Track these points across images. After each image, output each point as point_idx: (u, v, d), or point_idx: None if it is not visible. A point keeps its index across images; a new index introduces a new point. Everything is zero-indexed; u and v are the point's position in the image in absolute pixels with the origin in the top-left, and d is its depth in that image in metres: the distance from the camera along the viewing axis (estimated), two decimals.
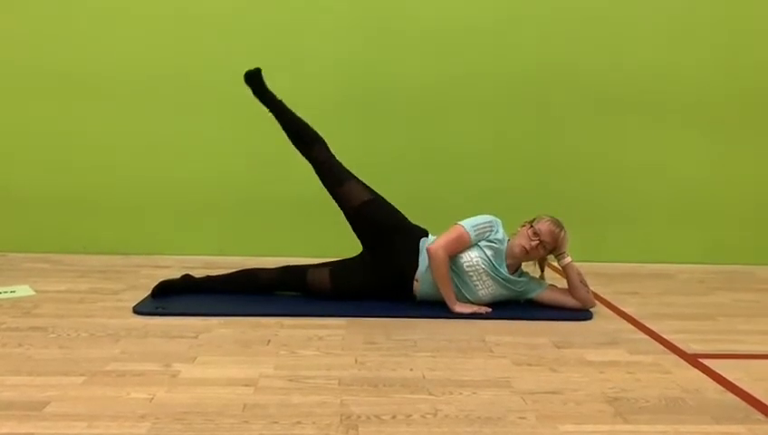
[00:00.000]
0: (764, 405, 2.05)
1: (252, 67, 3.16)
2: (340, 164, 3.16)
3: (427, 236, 3.11)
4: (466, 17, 4.12)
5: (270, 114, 3.18)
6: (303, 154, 3.17)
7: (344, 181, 3.13)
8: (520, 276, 3.10)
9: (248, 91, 3.17)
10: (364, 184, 3.15)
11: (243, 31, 4.04)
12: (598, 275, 3.77)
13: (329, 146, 3.17)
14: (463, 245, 2.98)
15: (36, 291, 3.15)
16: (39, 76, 3.98)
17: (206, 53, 4.03)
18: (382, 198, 3.16)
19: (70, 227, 4.07)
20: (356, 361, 2.34)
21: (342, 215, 3.16)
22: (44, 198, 4.05)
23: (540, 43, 4.17)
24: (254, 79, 3.16)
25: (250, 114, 4.03)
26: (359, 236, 3.15)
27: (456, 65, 4.14)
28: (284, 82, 4.02)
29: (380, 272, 3.06)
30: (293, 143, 3.18)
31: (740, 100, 4.27)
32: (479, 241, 3.00)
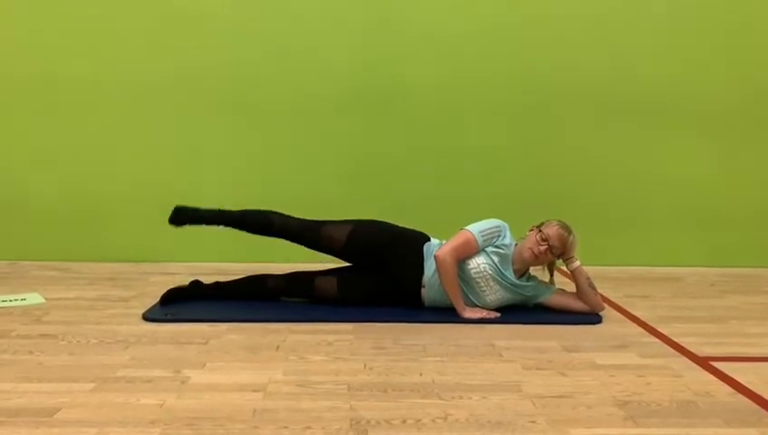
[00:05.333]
0: None
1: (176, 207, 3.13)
2: (304, 221, 3.13)
3: (428, 240, 3.10)
4: (471, 21, 4.13)
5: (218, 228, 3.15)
6: (269, 235, 3.14)
7: (318, 232, 3.10)
8: (528, 281, 3.09)
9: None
10: (338, 221, 3.13)
11: (249, 37, 4.05)
12: (607, 278, 3.75)
13: (282, 214, 3.14)
14: (470, 250, 2.97)
15: (46, 298, 3.17)
16: (47, 88, 4.00)
17: (212, 60, 4.05)
18: (363, 220, 3.15)
19: (79, 235, 4.09)
20: (365, 366, 2.34)
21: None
22: (54, 207, 4.07)
23: (544, 48, 4.17)
24: (182, 217, 3.12)
25: (257, 121, 4.09)
26: (361, 266, 3.12)
27: (460, 69, 4.15)
28: (288, 85, 4.07)
29: (387, 280, 3.05)
30: (255, 233, 3.15)
31: (745, 102, 4.26)
32: (486, 247, 3.00)
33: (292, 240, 3.15)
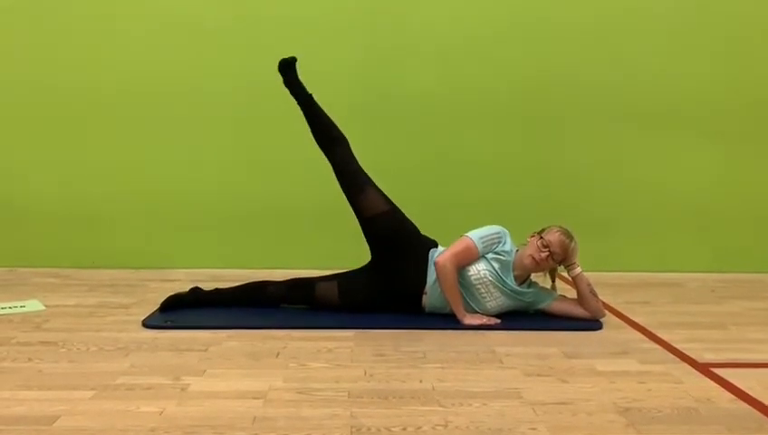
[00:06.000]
0: None
1: (286, 56, 3.15)
2: (360, 169, 3.14)
3: (436, 247, 3.10)
4: (471, 28, 4.13)
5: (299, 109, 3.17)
6: (325, 153, 3.15)
7: (364, 188, 3.10)
8: (528, 287, 3.08)
9: (279, 82, 3.17)
10: (383, 193, 3.13)
11: (250, 45, 4.05)
12: (607, 284, 3.75)
13: (352, 150, 3.15)
14: (471, 257, 2.97)
15: (46, 305, 3.16)
16: (47, 94, 4.01)
17: (212, 66, 4.06)
18: (398, 209, 3.14)
19: (79, 241, 4.09)
20: (365, 373, 2.34)
21: (350, 225, 3.15)
22: (53, 214, 4.07)
23: (545, 55, 4.17)
24: (288, 68, 3.15)
25: (257, 127, 4.09)
26: (369, 243, 3.14)
27: (460, 76, 4.15)
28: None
29: (389, 284, 3.05)
30: (316, 140, 3.15)
31: (746, 107, 4.26)
32: (487, 253, 2.99)
33: (338, 175, 3.14)
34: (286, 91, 4.02)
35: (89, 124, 4.05)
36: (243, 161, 4.12)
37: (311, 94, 3.15)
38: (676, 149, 4.28)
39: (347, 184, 3.13)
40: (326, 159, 3.16)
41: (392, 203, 3.13)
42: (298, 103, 3.16)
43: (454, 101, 4.17)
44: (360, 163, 3.15)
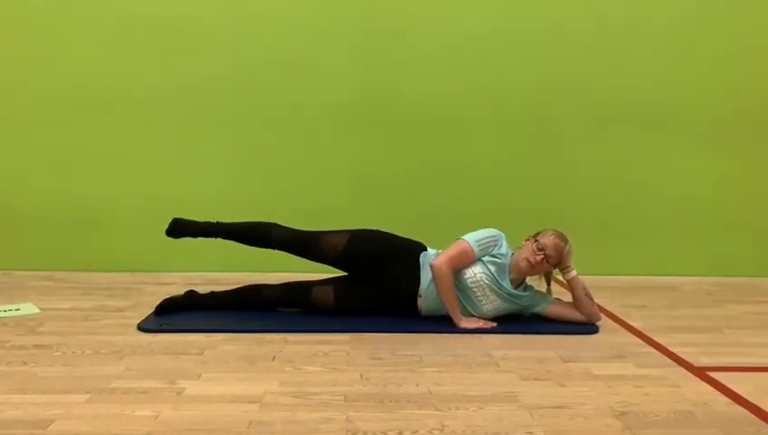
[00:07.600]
0: None
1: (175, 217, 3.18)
2: (302, 232, 3.14)
3: (425, 250, 3.10)
4: (470, 34, 4.13)
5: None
6: (267, 247, 3.16)
7: (316, 241, 3.10)
8: (524, 291, 3.08)
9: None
10: (335, 231, 3.13)
11: (249, 50, 4.04)
12: (603, 288, 3.74)
13: (282, 224, 3.16)
14: (467, 260, 2.97)
15: (41, 309, 3.15)
16: (42, 96, 3.99)
17: (211, 70, 4.04)
18: (360, 230, 3.14)
19: (74, 244, 4.07)
20: (361, 376, 2.33)
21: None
22: (48, 217, 4.05)
23: (543, 60, 4.17)
24: (182, 229, 3.16)
25: (255, 130, 4.08)
26: (357, 276, 3.12)
27: (459, 82, 4.14)
28: (288, 97, 4.08)
29: (384, 289, 3.04)
30: (253, 246, 3.17)
31: (742, 113, 4.27)
32: (483, 256, 2.99)
33: (291, 251, 3.15)
34: (287, 94, 4.06)
35: (85, 127, 4.03)
36: (241, 166, 4.11)
37: (217, 222, 3.17)
38: (674, 154, 4.28)
39: (302, 251, 3.14)
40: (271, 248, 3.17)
41: (350, 231, 3.13)
42: (217, 238, 3.17)
43: (452, 103, 4.16)
44: (295, 229, 3.15)
